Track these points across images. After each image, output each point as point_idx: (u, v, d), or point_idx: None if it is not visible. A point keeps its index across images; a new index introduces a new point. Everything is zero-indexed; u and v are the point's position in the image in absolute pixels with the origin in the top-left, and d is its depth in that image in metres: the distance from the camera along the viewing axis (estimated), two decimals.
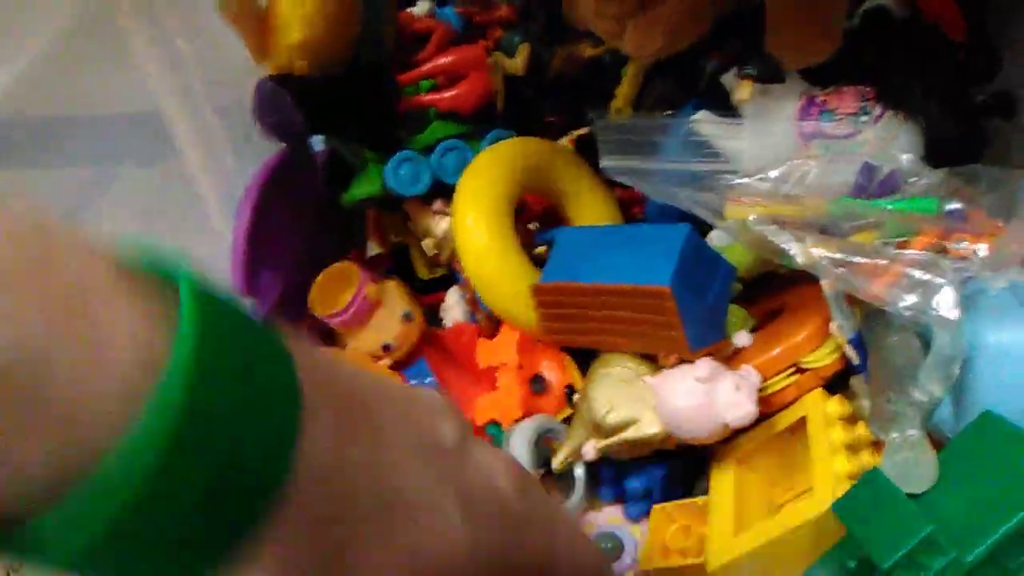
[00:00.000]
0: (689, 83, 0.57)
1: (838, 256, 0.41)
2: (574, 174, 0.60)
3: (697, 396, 0.46)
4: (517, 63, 0.61)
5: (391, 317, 0.62)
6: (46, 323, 0.17)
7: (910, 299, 0.40)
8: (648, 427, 0.48)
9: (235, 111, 0.71)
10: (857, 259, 0.42)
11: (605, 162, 0.48)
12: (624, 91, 0.61)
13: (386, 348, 0.62)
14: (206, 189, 0.81)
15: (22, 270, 0.17)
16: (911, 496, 0.38)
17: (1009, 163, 0.49)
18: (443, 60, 0.62)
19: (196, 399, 0.18)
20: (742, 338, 0.50)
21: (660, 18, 0.47)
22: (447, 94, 0.62)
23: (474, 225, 0.54)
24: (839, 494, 0.40)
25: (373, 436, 0.22)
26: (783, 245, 0.42)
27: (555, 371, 0.57)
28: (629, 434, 0.48)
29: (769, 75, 0.52)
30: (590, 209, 0.60)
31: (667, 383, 0.48)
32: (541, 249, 0.59)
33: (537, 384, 0.56)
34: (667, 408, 0.47)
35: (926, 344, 0.43)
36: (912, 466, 0.39)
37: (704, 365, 0.47)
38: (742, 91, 0.53)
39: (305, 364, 0.21)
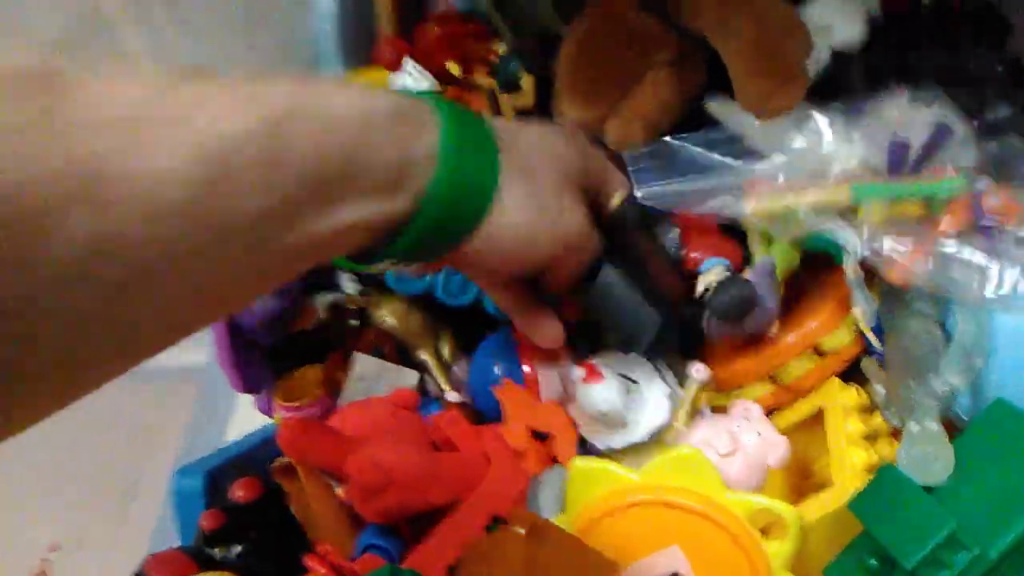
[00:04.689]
0: None
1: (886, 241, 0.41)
2: None
3: (734, 467, 0.44)
4: (526, 97, 0.57)
5: None
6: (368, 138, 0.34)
7: (952, 280, 0.40)
8: None
9: None
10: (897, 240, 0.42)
11: (641, 192, 0.47)
12: None
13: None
14: None
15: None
16: (927, 488, 0.38)
17: None
18: None
19: (458, 166, 0.37)
20: (699, 372, 0.48)
21: (638, 110, 0.50)
22: None
23: None
24: (858, 486, 0.40)
25: (532, 170, 0.41)
26: (835, 229, 0.43)
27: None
28: None
29: None
30: None
31: None
32: None
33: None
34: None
35: (945, 332, 0.43)
36: (930, 460, 0.39)
37: (722, 442, 0.44)
38: None
39: (502, 139, 0.40)
